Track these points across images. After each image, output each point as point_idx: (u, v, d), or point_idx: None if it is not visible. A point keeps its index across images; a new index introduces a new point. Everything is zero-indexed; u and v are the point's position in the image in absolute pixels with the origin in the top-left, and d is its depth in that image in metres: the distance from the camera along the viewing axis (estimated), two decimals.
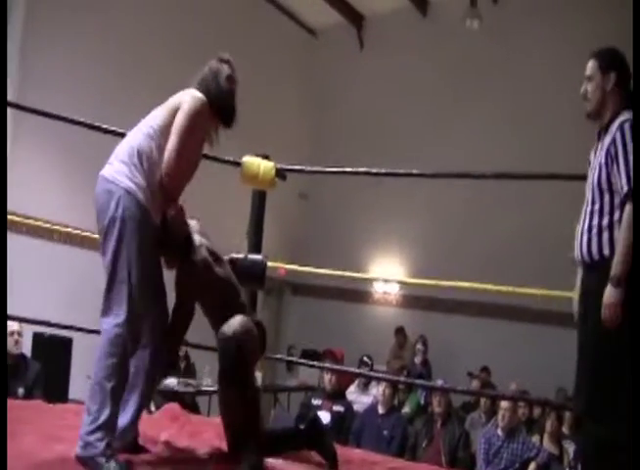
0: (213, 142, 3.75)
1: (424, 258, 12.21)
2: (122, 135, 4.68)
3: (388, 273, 12.78)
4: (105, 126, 5.06)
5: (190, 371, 9.84)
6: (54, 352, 8.04)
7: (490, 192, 10.43)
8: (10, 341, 6.55)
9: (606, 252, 3.45)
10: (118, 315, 3.31)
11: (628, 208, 3.35)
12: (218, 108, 3.64)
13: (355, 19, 14.05)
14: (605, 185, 3.50)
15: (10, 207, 8.84)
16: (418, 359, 11.04)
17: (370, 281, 13.08)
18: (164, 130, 3.48)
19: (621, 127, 3.44)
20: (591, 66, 3.71)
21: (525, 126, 11.90)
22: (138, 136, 3.53)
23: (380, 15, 13.79)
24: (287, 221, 12.11)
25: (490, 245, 11.54)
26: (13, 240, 8.99)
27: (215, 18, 11.91)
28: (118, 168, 3.50)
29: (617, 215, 3.45)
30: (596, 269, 3.53)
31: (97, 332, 6.04)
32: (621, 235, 3.35)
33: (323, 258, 11.02)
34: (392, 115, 13.31)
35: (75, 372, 8.56)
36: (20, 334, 6.67)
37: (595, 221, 3.51)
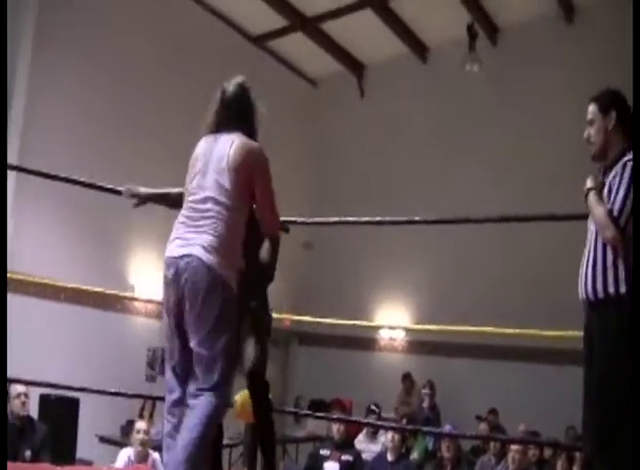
0: None
1: (428, 303, 12.24)
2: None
3: (393, 320, 12.80)
4: (108, 186, 5.06)
5: None
6: (61, 412, 8.06)
7: (492, 236, 10.51)
8: (16, 403, 6.58)
9: (611, 290, 3.50)
10: (221, 392, 3.43)
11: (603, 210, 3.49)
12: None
13: (356, 67, 14.21)
14: None
15: (13, 267, 9.03)
16: (426, 404, 11.03)
17: (376, 328, 13.08)
18: (236, 195, 3.57)
19: (624, 165, 3.53)
20: (591, 110, 3.80)
21: (525, 169, 11.98)
22: (218, 212, 3.54)
23: (380, 63, 13.94)
24: (291, 271, 12.16)
25: (493, 287, 11.56)
26: (17, 301, 9.13)
27: (214, 69, 12.03)
28: (216, 258, 3.47)
29: (621, 252, 3.51)
30: (600, 308, 3.57)
31: (103, 392, 6.13)
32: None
33: (328, 306, 11.10)
34: (394, 161, 13.43)
35: (83, 432, 8.61)
36: (26, 396, 6.66)
37: (599, 258, 3.57)
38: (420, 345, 12.45)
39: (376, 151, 13.76)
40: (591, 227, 3.67)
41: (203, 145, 3.75)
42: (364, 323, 11.72)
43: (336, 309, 11.00)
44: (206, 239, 3.46)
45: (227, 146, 3.61)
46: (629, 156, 3.59)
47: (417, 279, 12.66)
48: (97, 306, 9.90)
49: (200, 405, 3.39)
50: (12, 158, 9.15)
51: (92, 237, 10.08)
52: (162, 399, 9.53)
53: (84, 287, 8.65)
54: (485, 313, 10.57)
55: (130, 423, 7.79)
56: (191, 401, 3.44)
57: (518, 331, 7.69)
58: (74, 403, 8.20)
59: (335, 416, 8.20)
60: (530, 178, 11.80)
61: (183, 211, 3.63)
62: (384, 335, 13.06)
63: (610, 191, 3.59)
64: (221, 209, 3.52)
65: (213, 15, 12.49)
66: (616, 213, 3.51)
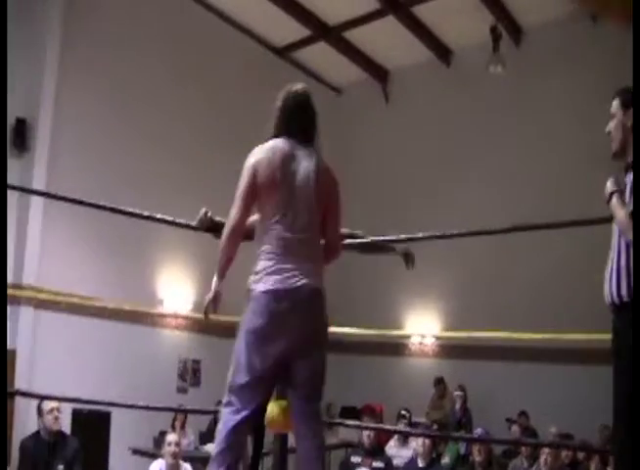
0: None
1: (458, 308, 12.20)
2: (147, 218, 4.89)
3: (423, 326, 12.79)
4: (137, 211, 5.13)
5: None
6: (93, 426, 8.17)
7: (519, 241, 10.46)
8: (49, 418, 6.65)
9: (625, 296, 3.51)
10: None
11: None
12: None
13: (379, 74, 14.25)
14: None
15: (42, 284, 9.18)
16: (458, 405, 11.05)
17: (406, 336, 13.07)
18: (318, 218, 3.72)
19: None
20: (614, 104, 3.80)
21: (553, 170, 11.90)
22: (315, 237, 3.72)
23: (404, 68, 13.97)
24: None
25: (522, 291, 11.52)
26: (49, 318, 9.29)
27: (239, 82, 12.19)
28: (322, 284, 3.66)
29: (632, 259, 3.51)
30: (626, 311, 3.57)
31: (134, 406, 6.21)
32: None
33: (358, 315, 11.12)
34: (420, 167, 13.43)
35: (115, 445, 8.72)
36: (59, 410, 6.71)
37: (623, 262, 3.56)
38: (450, 349, 12.43)
39: (402, 156, 13.77)
40: (615, 230, 3.67)
41: (283, 154, 3.67)
42: (395, 332, 11.74)
43: (366, 317, 11.03)
44: (317, 268, 3.63)
45: (312, 165, 3.69)
46: None
47: (446, 285, 12.63)
48: (127, 320, 10.02)
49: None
50: (39, 183, 9.35)
51: (121, 252, 10.21)
52: (193, 411, 9.62)
53: (111, 305, 8.76)
54: (515, 317, 10.58)
55: (163, 434, 7.86)
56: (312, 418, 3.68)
57: (548, 336, 7.66)
58: (106, 417, 8.31)
59: (364, 425, 8.19)
60: (561, 179, 11.71)
61: (282, 234, 3.62)
62: (414, 340, 13.05)
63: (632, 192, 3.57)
64: (316, 233, 3.69)
65: (236, 28, 12.62)
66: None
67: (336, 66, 13.71)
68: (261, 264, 3.60)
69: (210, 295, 3.61)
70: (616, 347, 3.67)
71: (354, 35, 13.07)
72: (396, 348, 13.04)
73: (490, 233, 5.29)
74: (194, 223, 4.64)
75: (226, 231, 3.64)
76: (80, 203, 5.18)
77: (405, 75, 14.07)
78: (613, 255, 3.64)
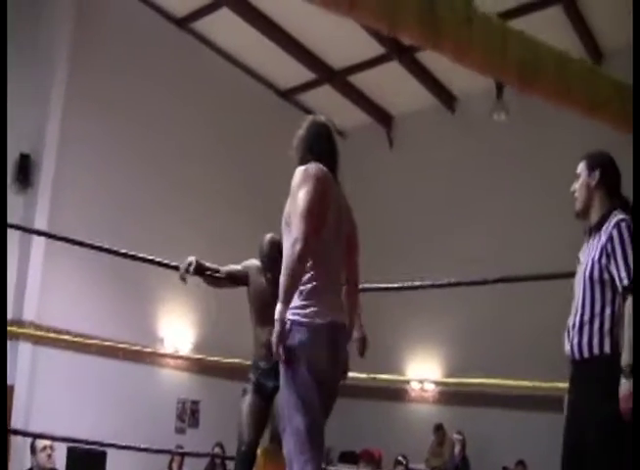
0: None
1: (458, 354, 12.14)
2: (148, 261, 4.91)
3: (423, 372, 12.71)
4: (141, 255, 5.17)
5: None
6: (88, 466, 8.07)
7: (520, 289, 10.44)
8: (42, 456, 6.57)
9: (596, 351, 3.51)
10: None
11: (629, 301, 3.42)
12: None
13: (384, 119, 14.33)
14: (597, 281, 3.58)
15: (43, 322, 9.16)
16: (457, 449, 10.97)
17: (406, 381, 12.99)
18: None
19: (618, 225, 3.54)
20: (581, 165, 3.86)
21: (558, 220, 11.90)
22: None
23: (408, 113, 14.05)
24: None
25: (520, 339, 11.47)
26: (48, 354, 9.25)
27: (244, 124, 12.28)
28: None
29: (608, 311, 3.51)
30: (586, 367, 3.56)
31: (130, 448, 6.17)
32: (627, 328, 3.41)
33: (358, 359, 11.06)
34: (423, 212, 13.44)
35: None
36: (52, 448, 6.64)
37: (586, 317, 3.57)
38: (450, 395, 12.34)
39: (405, 201, 13.81)
40: (579, 282, 3.67)
41: (333, 190, 3.60)
42: (395, 377, 11.65)
43: (366, 362, 10.95)
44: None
45: (346, 202, 3.73)
46: (621, 215, 3.59)
47: (447, 331, 12.57)
48: (127, 359, 9.98)
49: None
50: (42, 218, 9.38)
51: (121, 290, 10.21)
52: (190, 454, 9.58)
53: (111, 343, 8.71)
54: (516, 364, 10.51)
55: None
56: None
57: (547, 384, 7.58)
58: (102, 456, 8.22)
59: None
60: (565, 228, 11.70)
61: (330, 264, 3.51)
62: (414, 386, 12.98)
63: (604, 252, 3.58)
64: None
65: (242, 69, 12.73)
66: (628, 283, 3.50)
67: (340, 109, 13.77)
68: (316, 293, 3.36)
69: (277, 329, 3.25)
70: (572, 405, 3.65)
71: (359, 80, 13.17)
72: (396, 393, 12.93)
73: (473, 284, 5.30)
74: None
75: (298, 251, 3.27)
76: (80, 244, 5.23)
77: (409, 121, 14.15)
78: (576, 308, 3.64)
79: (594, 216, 3.77)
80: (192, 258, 4.58)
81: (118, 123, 10.57)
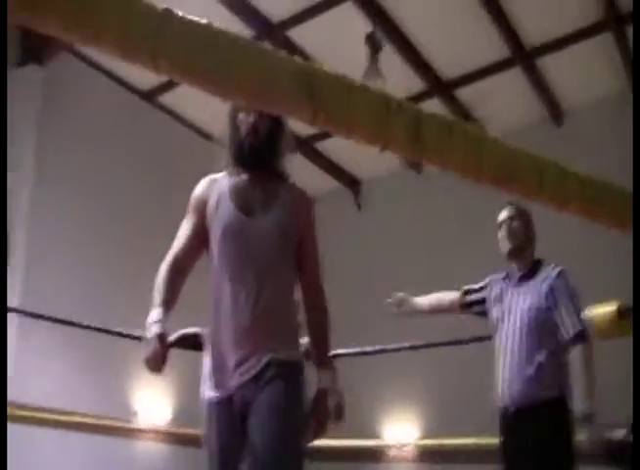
0: None
1: (437, 414, 12.15)
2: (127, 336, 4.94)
3: (401, 432, 12.68)
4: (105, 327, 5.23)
5: None
6: None
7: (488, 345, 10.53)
8: None
9: (543, 397, 3.55)
10: None
11: (579, 349, 3.49)
12: None
13: (352, 183, 14.53)
14: (538, 328, 3.63)
15: (15, 398, 9.08)
16: None
17: (385, 444, 12.92)
18: None
19: (561, 275, 3.62)
20: (511, 211, 3.96)
21: None
22: None
23: (376, 177, 14.26)
24: None
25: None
26: (19, 431, 9.14)
27: None
28: None
29: (552, 359, 3.57)
30: (532, 414, 3.60)
31: None
32: (580, 376, 3.46)
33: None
34: (394, 271, 13.52)
35: None
36: None
37: (529, 365, 3.61)
38: (429, 454, 12.30)
39: (375, 261, 13.91)
40: (506, 336, 3.71)
41: None
42: (372, 443, 11.61)
43: (342, 424, 10.90)
44: None
45: None
46: (555, 265, 3.68)
47: (425, 390, 12.59)
48: (102, 432, 9.89)
49: None
50: (14, 295, 9.37)
51: (96, 365, 10.16)
52: None
53: (87, 419, 8.66)
54: (495, 423, 10.52)
55: None
56: None
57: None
58: None
59: None
60: None
61: None
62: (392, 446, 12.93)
63: (553, 306, 3.64)
64: None
65: (212, 142, 12.80)
66: (575, 333, 3.56)
67: (308, 175, 13.94)
68: (299, 332, 3.45)
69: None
70: (514, 455, 3.67)
71: (327, 146, 13.39)
72: (375, 454, 12.87)
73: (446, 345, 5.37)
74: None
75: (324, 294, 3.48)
76: (54, 320, 5.28)
77: (377, 184, 14.35)
78: (512, 356, 3.68)
79: (524, 262, 3.84)
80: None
81: (89, 194, 10.61)
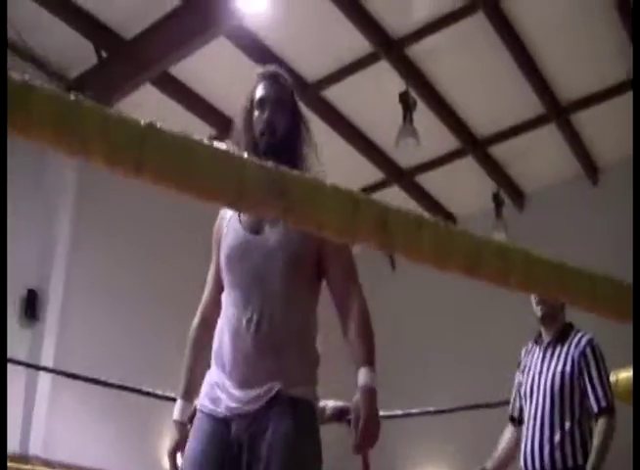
0: None
1: None
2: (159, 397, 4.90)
3: None
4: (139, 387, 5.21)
5: None
6: None
7: None
8: None
9: (570, 463, 3.49)
10: None
11: (603, 420, 3.44)
12: None
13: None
14: (567, 395, 3.58)
15: (47, 455, 9.05)
16: None
17: None
18: None
19: (591, 344, 3.58)
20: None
21: None
22: None
23: None
24: None
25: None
26: None
27: None
28: None
29: (579, 427, 3.52)
30: None
31: None
32: (596, 442, 3.42)
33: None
34: (428, 337, 13.38)
35: None
36: None
37: (555, 432, 3.55)
38: None
39: (408, 325, 13.80)
40: (541, 393, 3.67)
41: None
42: None
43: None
44: None
45: None
46: (587, 333, 3.64)
47: (451, 454, 12.36)
48: None
49: None
50: (49, 352, 9.40)
51: (128, 422, 10.09)
52: None
53: None
54: None
55: None
56: None
57: None
58: None
59: None
60: None
61: None
62: None
63: (576, 368, 3.59)
64: None
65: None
66: (604, 406, 3.53)
67: None
68: (317, 367, 3.00)
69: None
70: None
71: None
72: None
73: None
74: None
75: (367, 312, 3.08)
76: (87, 379, 5.27)
77: None
78: (542, 422, 3.60)
79: (555, 327, 3.81)
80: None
81: (124, 257, 10.67)
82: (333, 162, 10.70)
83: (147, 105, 9.91)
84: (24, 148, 9.21)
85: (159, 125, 1.34)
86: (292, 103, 3.17)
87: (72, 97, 1.27)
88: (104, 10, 9.37)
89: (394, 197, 12.75)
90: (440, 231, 1.59)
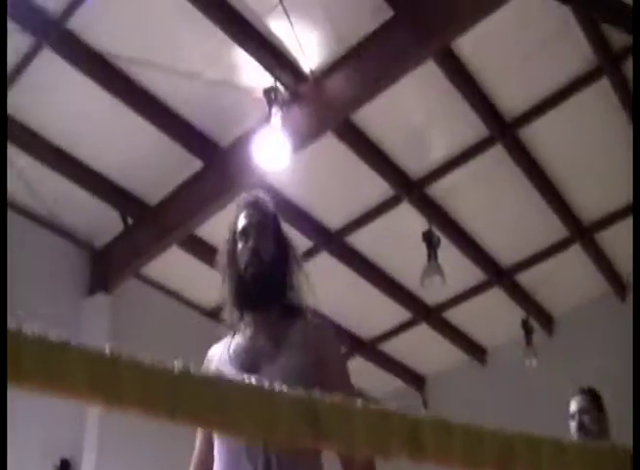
0: None
1: None
2: None
3: None
4: None
5: None
6: None
7: None
8: None
9: None
10: None
11: None
12: None
13: (416, 381, 14.19)
14: None
15: None
16: None
17: None
18: None
19: None
20: (584, 402, 3.84)
21: None
22: None
23: (440, 372, 13.96)
24: None
25: None
26: None
27: None
28: None
29: None
30: None
31: None
32: None
33: None
34: None
35: None
36: None
37: None
38: None
39: None
40: None
41: None
42: None
43: None
44: None
45: None
46: None
47: None
48: None
49: None
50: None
51: None
52: None
53: None
54: None
55: None
56: None
57: None
58: None
59: None
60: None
61: None
62: None
63: None
64: None
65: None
66: None
67: (371, 377, 13.72)
68: None
69: None
70: None
71: (389, 346, 13.21)
72: None
73: None
74: None
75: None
76: None
77: (442, 380, 14.03)
78: None
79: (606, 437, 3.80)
80: None
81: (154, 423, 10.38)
82: (361, 305, 10.65)
83: (175, 266, 9.91)
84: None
85: (192, 371, 1.37)
86: (275, 227, 3.05)
87: (108, 353, 1.33)
88: (128, 178, 9.48)
89: (423, 335, 12.65)
90: (472, 434, 1.59)
